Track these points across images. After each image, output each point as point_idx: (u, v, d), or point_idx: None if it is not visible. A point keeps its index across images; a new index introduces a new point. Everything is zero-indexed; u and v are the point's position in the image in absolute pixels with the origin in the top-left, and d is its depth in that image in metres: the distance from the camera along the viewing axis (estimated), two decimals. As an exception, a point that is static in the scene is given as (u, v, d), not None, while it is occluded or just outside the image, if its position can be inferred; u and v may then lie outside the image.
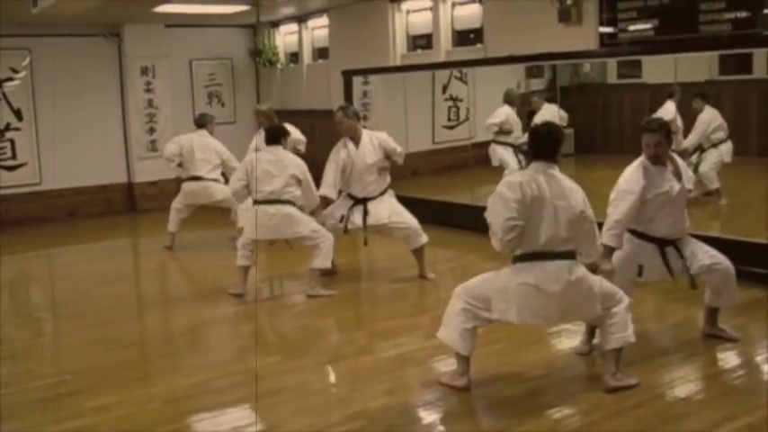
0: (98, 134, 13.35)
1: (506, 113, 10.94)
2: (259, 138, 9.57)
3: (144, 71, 13.53)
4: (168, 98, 13.75)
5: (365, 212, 7.94)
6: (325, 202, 8.00)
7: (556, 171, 5.01)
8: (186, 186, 10.23)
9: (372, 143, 7.93)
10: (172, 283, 9.35)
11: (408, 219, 7.94)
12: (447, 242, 9.46)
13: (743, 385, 5.19)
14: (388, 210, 7.94)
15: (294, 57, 14.60)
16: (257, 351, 6.14)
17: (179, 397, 5.38)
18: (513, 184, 4.92)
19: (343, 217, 7.94)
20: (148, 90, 13.60)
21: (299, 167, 7.67)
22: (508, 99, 10.98)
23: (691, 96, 9.64)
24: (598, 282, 5.08)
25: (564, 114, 10.60)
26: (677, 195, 5.60)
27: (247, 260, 7.72)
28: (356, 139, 7.93)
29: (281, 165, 7.59)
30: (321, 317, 7.36)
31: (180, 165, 10.19)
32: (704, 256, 5.70)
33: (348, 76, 12.09)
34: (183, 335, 7.03)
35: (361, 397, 5.28)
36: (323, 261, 7.62)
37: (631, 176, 5.54)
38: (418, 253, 8.03)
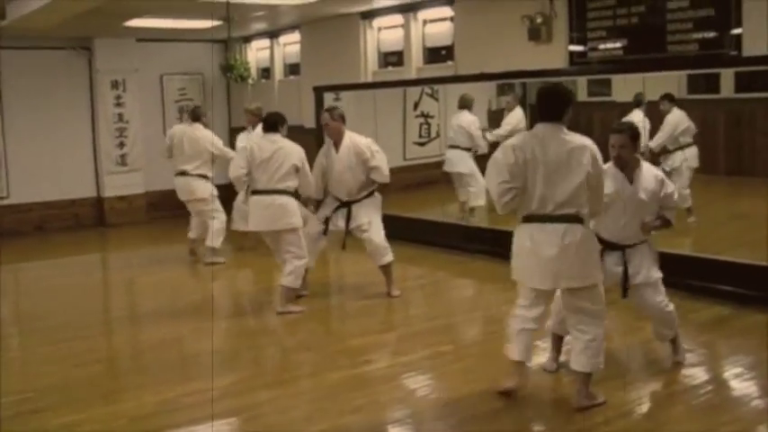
0: (67, 148, 13.29)
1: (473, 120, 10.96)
2: (246, 136, 9.60)
3: (114, 85, 13.49)
4: (138, 112, 13.71)
5: (348, 216, 7.91)
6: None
7: (561, 131, 5.01)
8: (174, 181, 10.13)
9: (350, 149, 7.81)
10: (140, 298, 9.27)
11: (379, 235, 7.94)
12: (417, 259, 9.47)
13: (708, 402, 5.22)
14: (368, 218, 7.91)
15: (266, 72, 14.61)
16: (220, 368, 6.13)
17: (146, 414, 5.33)
18: (506, 148, 5.02)
19: (327, 219, 7.93)
20: (119, 104, 13.55)
21: (299, 155, 7.63)
22: (465, 104, 10.98)
23: (657, 112, 9.70)
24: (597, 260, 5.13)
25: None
26: (627, 199, 5.51)
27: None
28: (338, 143, 7.86)
29: (282, 153, 7.56)
30: (290, 333, 7.35)
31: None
32: (655, 271, 5.66)
33: (319, 92, 12.10)
34: (152, 351, 6.96)
35: (329, 414, 5.26)
36: (294, 280, 7.59)
37: None
38: (385, 270, 8.02)
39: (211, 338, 7.03)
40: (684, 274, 7.13)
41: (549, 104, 5.08)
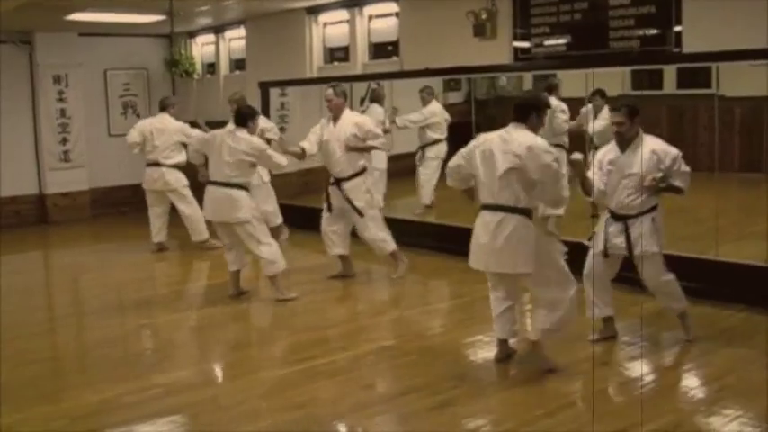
0: (8, 144, 12.98)
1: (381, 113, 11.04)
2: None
3: (56, 80, 13.25)
4: (82, 108, 13.49)
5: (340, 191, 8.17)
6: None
7: (516, 129, 5.50)
8: (145, 172, 10.27)
9: (348, 123, 8.09)
10: (83, 296, 9.14)
11: (365, 226, 8.18)
12: (363, 254, 9.41)
13: (649, 393, 5.29)
14: (359, 201, 8.11)
15: (211, 68, 14.49)
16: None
17: (88, 413, 5.27)
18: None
19: (327, 195, 8.28)
20: (61, 99, 13.32)
21: (249, 146, 7.64)
22: (377, 97, 11.07)
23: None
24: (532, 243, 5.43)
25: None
26: (617, 170, 5.96)
27: (230, 264, 7.91)
28: (337, 119, 8.11)
29: (234, 150, 7.60)
30: (233, 329, 7.31)
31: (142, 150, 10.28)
32: (652, 244, 5.95)
33: (265, 87, 12.04)
34: (94, 349, 6.88)
35: (272, 410, 5.24)
36: (274, 267, 7.70)
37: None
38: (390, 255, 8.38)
39: (154, 335, 6.99)
40: (626, 268, 7.21)
41: (515, 109, 5.62)
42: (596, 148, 9.60)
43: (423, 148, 10.96)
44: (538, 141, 5.42)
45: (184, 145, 10.01)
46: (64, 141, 13.40)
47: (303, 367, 5.97)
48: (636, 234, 5.91)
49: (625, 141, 5.95)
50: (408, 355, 6.12)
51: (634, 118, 5.93)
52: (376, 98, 11.03)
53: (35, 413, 5.29)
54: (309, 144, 8.16)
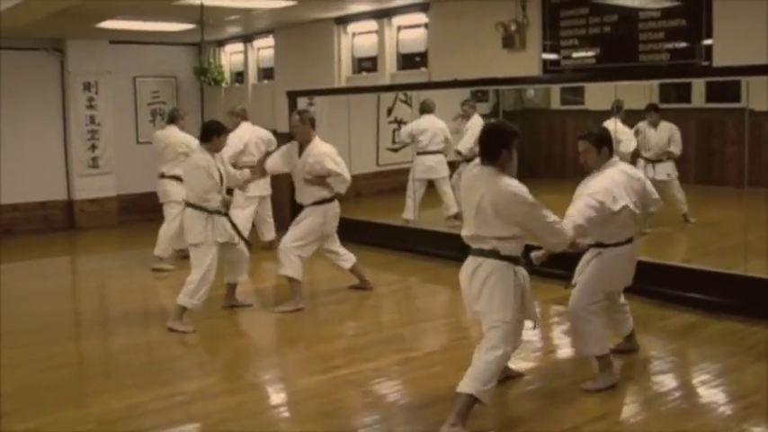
0: (38, 150, 13.15)
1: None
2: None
3: (87, 87, 13.38)
4: (111, 115, 13.61)
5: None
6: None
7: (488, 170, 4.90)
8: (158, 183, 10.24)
9: (310, 155, 7.75)
10: (110, 302, 9.19)
11: (284, 242, 7.87)
12: (389, 264, 9.46)
13: (677, 409, 5.24)
14: (301, 220, 7.91)
15: (239, 76, 14.55)
16: (193, 373, 6.08)
17: (114, 419, 5.29)
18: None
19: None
20: (91, 106, 13.44)
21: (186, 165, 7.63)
22: (430, 108, 10.96)
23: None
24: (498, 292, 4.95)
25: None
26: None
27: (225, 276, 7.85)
28: (304, 147, 7.78)
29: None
30: (259, 338, 7.32)
31: None
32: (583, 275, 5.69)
33: (293, 96, 12.08)
34: (120, 355, 6.91)
35: (297, 419, 5.26)
36: (184, 298, 7.26)
37: None
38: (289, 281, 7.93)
39: (179, 343, 7.00)
40: (654, 282, 7.17)
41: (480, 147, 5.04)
42: (652, 162, 9.66)
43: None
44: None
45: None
46: (93, 148, 13.51)
47: (328, 377, 5.97)
48: (583, 264, 5.70)
49: (590, 169, 5.56)
50: (433, 366, 6.11)
51: (602, 148, 5.51)
52: (428, 109, 10.95)
53: (62, 417, 5.32)
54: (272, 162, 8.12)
